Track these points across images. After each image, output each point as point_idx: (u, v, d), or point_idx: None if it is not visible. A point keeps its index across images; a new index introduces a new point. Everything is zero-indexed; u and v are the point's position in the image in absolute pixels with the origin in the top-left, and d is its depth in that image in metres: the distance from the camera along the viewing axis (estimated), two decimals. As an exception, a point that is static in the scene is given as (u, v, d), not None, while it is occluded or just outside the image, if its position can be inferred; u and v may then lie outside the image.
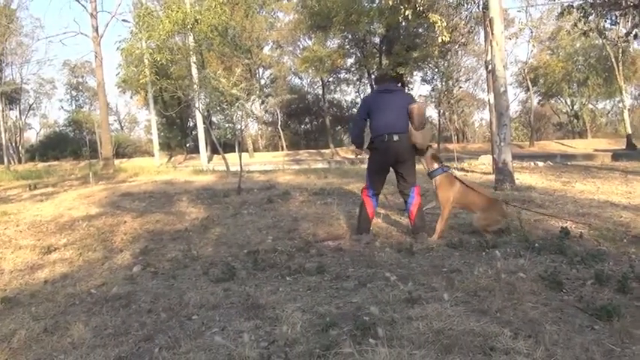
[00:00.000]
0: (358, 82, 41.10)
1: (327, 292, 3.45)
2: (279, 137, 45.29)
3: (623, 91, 30.09)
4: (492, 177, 9.50)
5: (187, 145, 41.47)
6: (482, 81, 39.45)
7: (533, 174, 11.21)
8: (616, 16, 13.72)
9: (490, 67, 9.88)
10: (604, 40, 27.47)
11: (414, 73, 33.44)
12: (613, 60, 28.02)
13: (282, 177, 11.79)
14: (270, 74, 42.20)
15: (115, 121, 55.10)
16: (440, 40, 12.80)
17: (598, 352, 2.26)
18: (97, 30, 20.64)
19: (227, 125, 11.56)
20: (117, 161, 25.26)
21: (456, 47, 24.45)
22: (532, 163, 15.53)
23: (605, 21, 14.91)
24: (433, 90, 35.17)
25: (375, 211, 5.29)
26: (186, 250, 5.15)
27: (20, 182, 13.64)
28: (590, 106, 42.43)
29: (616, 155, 19.66)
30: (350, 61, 35.84)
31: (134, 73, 17.44)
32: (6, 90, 38.47)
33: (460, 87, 31.82)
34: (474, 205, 5.06)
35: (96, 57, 20.71)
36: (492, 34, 8.82)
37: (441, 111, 35.08)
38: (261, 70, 40.34)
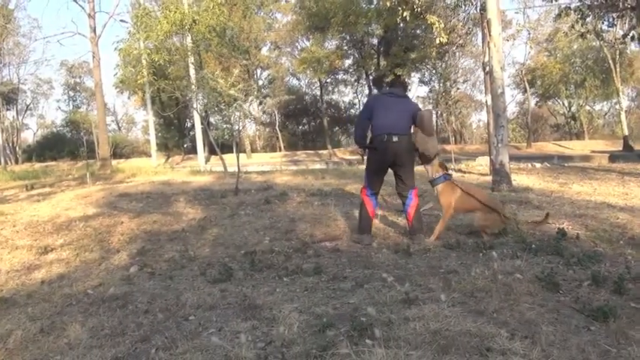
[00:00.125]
0: (356, 83, 41.19)
1: (324, 293, 3.45)
2: (277, 138, 45.29)
3: (620, 93, 30.19)
4: (489, 178, 9.51)
5: (185, 146, 41.47)
6: (479, 82, 39.47)
7: (530, 175, 11.23)
8: (613, 18, 13.75)
9: (488, 69, 9.90)
10: (601, 42, 27.52)
11: (412, 74, 33.53)
12: (610, 62, 28.09)
13: (279, 178, 11.78)
14: (268, 75, 42.22)
15: (113, 121, 55.05)
16: (438, 42, 12.79)
17: (594, 353, 2.26)
18: (94, 30, 20.63)
19: (225, 126, 11.58)
20: (114, 162, 25.23)
21: (454, 49, 24.48)
22: (529, 165, 15.55)
23: (603, 23, 14.93)
24: (431, 91, 35.33)
25: (375, 210, 5.28)
26: (183, 251, 5.14)
27: (17, 182, 13.62)
28: (588, 107, 42.51)
29: (613, 157, 19.69)
30: (348, 62, 35.93)
31: (132, 73, 17.38)
32: (3, 90, 38.45)
33: (458, 88, 31.97)
34: (476, 208, 5.07)
35: (93, 57, 20.70)
36: (490, 35, 8.84)
37: (439, 112, 35.17)
38: (259, 70, 40.39)
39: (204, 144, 26.04)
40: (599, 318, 2.65)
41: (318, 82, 38.96)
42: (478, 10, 13.14)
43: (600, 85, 35.62)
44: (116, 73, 21.15)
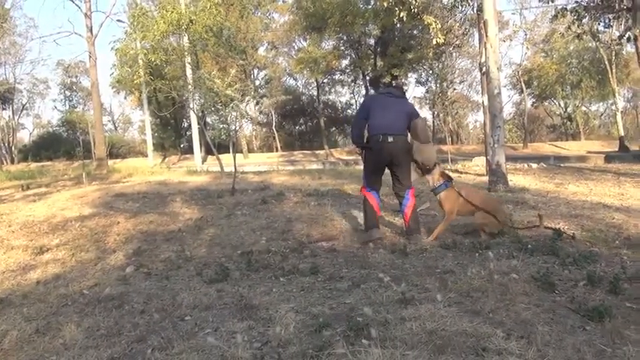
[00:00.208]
0: (353, 84, 41.18)
1: (321, 293, 3.45)
2: (274, 138, 45.27)
3: (616, 94, 30.23)
4: (486, 178, 9.52)
5: (181, 146, 41.34)
6: (476, 83, 39.51)
7: (526, 175, 11.25)
8: (609, 19, 13.80)
9: (484, 69, 9.91)
10: (597, 43, 27.59)
11: (409, 74, 33.55)
12: (606, 63, 28.16)
13: (276, 178, 11.78)
14: (265, 75, 42.16)
15: (109, 121, 54.90)
16: (434, 42, 12.81)
17: (589, 353, 2.27)
18: (91, 30, 20.56)
19: (221, 126, 11.57)
20: (110, 162, 25.16)
21: (451, 49, 24.48)
22: (525, 165, 15.59)
23: (599, 24, 15.01)
24: (428, 92, 35.36)
25: (380, 204, 5.20)
26: (179, 251, 5.14)
27: (13, 182, 13.57)
28: (584, 108, 42.64)
29: (609, 157, 19.73)
30: (345, 62, 35.91)
31: (128, 73, 17.37)
32: (-1, 90, 38.29)
33: (454, 89, 31.95)
34: (477, 210, 5.07)
35: (90, 57, 20.62)
36: (486, 36, 8.85)
37: (436, 112, 35.24)
38: (255, 71, 40.31)
39: (200, 144, 25.99)
40: (595, 318, 2.65)
41: (315, 83, 38.95)
42: (475, 11, 13.18)
43: (596, 86, 35.70)
44: (112, 73, 21.08)
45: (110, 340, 2.83)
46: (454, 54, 31.58)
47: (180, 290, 3.70)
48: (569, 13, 12.87)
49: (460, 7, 13.95)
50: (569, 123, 43.11)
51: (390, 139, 4.85)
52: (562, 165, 16.16)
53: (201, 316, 3.10)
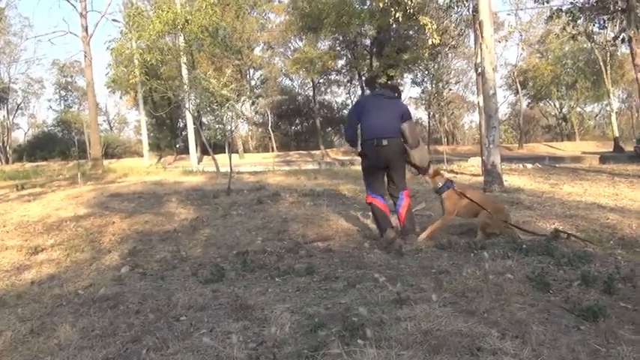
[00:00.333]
0: (349, 84, 41.20)
1: (316, 293, 3.45)
2: (270, 138, 45.28)
3: (611, 95, 30.43)
4: (481, 179, 9.55)
5: (177, 146, 41.33)
6: (472, 83, 39.69)
7: (521, 176, 11.29)
8: (604, 20, 13.84)
9: (480, 70, 9.94)
10: (592, 44, 27.76)
11: (405, 75, 33.59)
12: (601, 63, 28.32)
13: (272, 178, 11.78)
14: (261, 75, 42.18)
15: (105, 121, 54.84)
16: (430, 43, 12.85)
17: (584, 353, 2.28)
18: (86, 29, 20.53)
19: (217, 126, 11.55)
20: (106, 162, 25.12)
21: (446, 50, 24.60)
22: (521, 165, 15.65)
23: (594, 25, 15.07)
24: (423, 92, 35.39)
25: (387, 205, 5.07)
26: (175, 251, 5.13)
27: (7, 182, 13.52)
28: (579, 109, 42.84)
29: (603, 158, 19.86)
30: (341, 62, 35.92)
31: (124, 73, 17.31)
32: (-6, 89, 38.14)
33: (450, 89, 32.07)
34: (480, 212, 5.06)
35: (85, 57, 20.61)
36: (482, 37, 8.88)
37: (431, 113, 35.31)
38: (251, 71, 40.34)
39: (196, 144, 25.99)
40: (589, 318, 2.66)
41: (311, 83, 38.96)
42: (470, 12, 13.21)
43: (591, 87, 35.91)
44: (108, 73, 21.07)
45: (105, 341, 2.82)
46: (450, 55, 31.71)
47: (176, 290, 3.69)
48: (564, 14, 12.91)
49: (456, 7, 13.96)
50: (564, 124, 43.34)
51: (385, 143, 4.81)
52: (557, 165, 16.23)
53: (197, 317, 3.10)
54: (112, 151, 42.77)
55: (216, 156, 13.82)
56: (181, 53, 14.65)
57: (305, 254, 4.69)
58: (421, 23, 12.55)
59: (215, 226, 6.16)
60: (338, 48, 33.31)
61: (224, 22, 18.60)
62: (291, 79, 45.05)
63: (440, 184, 5.09)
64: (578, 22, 13.55)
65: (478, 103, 12.36)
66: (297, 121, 49.73)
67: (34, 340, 2.92)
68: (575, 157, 22.07)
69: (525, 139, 39.00)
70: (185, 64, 15.61)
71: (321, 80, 39.69)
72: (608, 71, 28.60)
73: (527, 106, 43.31)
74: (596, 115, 46.38)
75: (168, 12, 12.47)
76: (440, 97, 25.49)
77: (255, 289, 3.62)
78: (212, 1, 13.39)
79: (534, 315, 2.75)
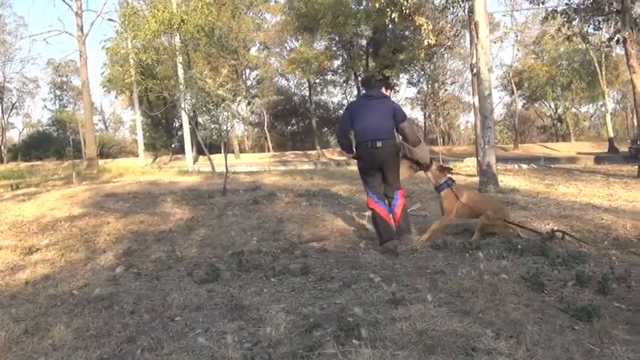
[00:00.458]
0: (345, 84, 41.21)
1: (312, 293, 3.45)
2: (266, 138, 45.23)
3: (606, 96, 30.53)
4: (477, 179, 9.57)
5: (173, 146, 41.17)
6: (467, 84, 39.72)
7: (517, 176, 11.32)
8: (599, 22, 13.90)
9: (475, 71, 9.96)
10: (587, 45, 27.81)
11: (401, 75, 33.58)
12: (596, 64, 28.40)
13: (267, 178, 11.77)
14: (257, 75, 42.10)
15: (100, 121, 54.64)
16: (426, 43, 12.89)
17: (578, 352, 2.28)
18: (81, 29, 20.44)
19: (213, 126, 11.55)
20: (101, 161, 25.02)
21: (442, 50, 24.59)
22: (516, 166, 15.69)
23: (589, 26, 15.10)
24: (419, 92, 35.45)
25: (389, 212, 4.97)
26: (170, 251, 5.12)
27: (2, 182, 13.43)
28: (574, 109, 42.95)
29: (598, 158, 19.92)
30: (337, 62, 35.93)
31: (119, 72, 17.32)
32: (-12, 89, 37.97)
33: (446, 90, 32.01)
34: (479, 214, 5.06)
35: (80, 56, 20.50)
36: (477, 37, 8.89)
37: (427, 113, 35.36)
38: (247, 71, 40.25)
39: (192, 144, 25.91)
40: (583, 318, 2.67)
41: (307, 83, 38.95)
42: (466, 13, 13.25)
43: (586, 88, 36.02)
44: (103, 72, 21.04)
45: (99, 341, 2.81)
46: (445, 55, 31.72)
47: (171, 291, 3.68)
48: (559, 15, 12.94)
49: (451, 8, 14.01)
50: (559, 124, 43.45)
51: (379, 145, 4.79)
52: (552, 166, 16.29)
53: (192, 317, 3.09)
54: (107, 150, 42.63)
55: (211, 156, 13.83)
56: (177, 53, 14.66)
57: (300, 254, 4.70)
58: (417, 24, 12.59)
59: (210, 226, 6.15)
60: (334, 48, 33.32)
61: (220, 22, 18.62)
62: (287, 80, 45.08)
63: (440, 182, 5.08)
64: (574, 23, 13.58)
65: (474, 103, 12.40)
66: (293, 121, 49.68)
67: (28, 341, 2.91)
68: (570, 157, 22.13)
69: (521, 139, 39.06)
70: (181, 63, 15.61)
71: (317, 80, 39.68)
72: (603, 72, 28.69)
73: (523, 106, 43.44)
74: (591, 116, 46.59)
75: (164, 11, 12.47)
76: (436, 97, 25.42)
77: (251, 289, 3.62)
78: (208, 0, 13.40)
79: (529, 315, 2.76)
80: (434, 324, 2.60)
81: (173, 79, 16.19)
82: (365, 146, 4.86)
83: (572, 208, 6.35)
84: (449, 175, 5.19)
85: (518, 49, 34.91)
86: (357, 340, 2.37)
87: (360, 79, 33.17)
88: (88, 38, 21.18)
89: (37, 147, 42.56)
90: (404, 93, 42.97)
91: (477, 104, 10.78)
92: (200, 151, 27.10)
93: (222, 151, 11.42)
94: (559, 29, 14.25)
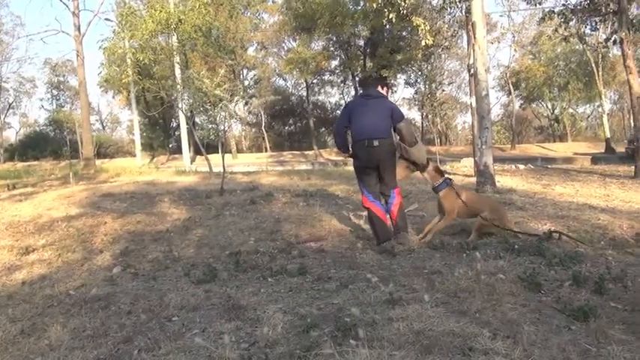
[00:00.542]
0: (342, 84, 41.15)
1: (309, 294, 3.45)
2: (263, 138, 45.17)
3: (603, 96, 30.60)
4: (474, 179, 9.58)
5: (170, 146, 41.12)
6: (465, 84, 39.82)
7: (514, 177, 11.35)
8: (596, 22, 13.94)
9: (472, 71, 9.97)
10: (584, 46, 27.88)
11: (398, 75, 33.60)
12: (593, 65, 28.45)
13: (265, 178, 11.76)
14: (254, 75, 42.04)
15: (97, 120, 54.52)
16: (423, 44, 12.86)
17: (574, 352, 2.29)
18: (78, 29, 20.42)
19: (210, 126, 11.51)
20: (98, 161, 24.97)
21: (440, 51, 24.67)
22: (513, 166, 15.72)
23: (586, 27, 15.18)
24: (417, 93, 35.47)
25: (385, 211, 4.96)
26: (167, 252, 5.11)
27: (-1, 182, 13.41)
28: (571, 110, 43.03)
29: (595, 159, 19.97)
30: (334, 63, 35.88)
31: (116, 72, 17.27)
32: (-15, 88, 37.86)
33: (443, 90, 32.11)
34: (479, 213, 5.06)
35: (77, 56, 20.48)
36: (475, 38, 8.91)
37: (424, 114, 35.38)
38: (245, 71, 40.18)
39: (189, 144, 25.90)
40: (580, 318, 2.68)
41: (305, 83, 38.87)
42: (463, 13, 13.24)
43: (583, 88, 36.08)
44: (100, 72, 21.02)
45: (96, 341, 2.81)
46: (443, 55, 31.79)
47: (168, 291, 3.68)
48: (556, 15, 12.97)
49: (449, 9, 14.00)
50: (556, 125, 43.55)
51: (376, 143, 4.80)
52: (549, 166, 16.32)
53: (189, 317, 3.09)
54: (104, 150, 42.49)
55: (209, 156, 13.80)
56: (174, 53, 14.63)
57: (297, 254, 4.70)
58: (414, 24, 12.56)
59: (208, 226, 6.15)
60: (331, 48, 33.31)
61: (217, 22, 18.60)
62: (285, 80, 45.03)
63: (438, 182, 5.09)
64: (570, 23, 13.61)
65: (471, 104, 12.41)
66: (291, 121, 49.66)
67: (24, 341, 2.90)
68: (567, 158, 22.18)
69: (518, 140, 39.15)
70: (178, 63, 15.58)
71: (314, 80, 39.63)
72: (600, 73, 28.75)
73: (520, 107, 43.49)
74: (588, 117, 46.65)
75: (161, 11, 12.45)
76: (433, 97, 25.49)
77: (248, 289, 3.62)
78: (205, 0, 13.38)
79: (526, 315, 2.77)
80: (431, 324, 2.61)
81: (170, 79, 16.14)
82: (362, 145, 4.87)
83: (569, 209, 6.36)
84: (446, 175, 5.20)
85: (515, 50, 35.05)
86: (355, 341, 2.37)
87: (357, 79, 33.19)
88: (85, 38, 21.13)
89: (34, 147, 42.40)
90: (401, 93, 43.03)
91: (474, 105, 10.78)
92: (197, 151, 27.08)
93: (220, 151, 11.42)
94: (556, 30, 14.27)
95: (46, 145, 42.20)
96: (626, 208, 6.50)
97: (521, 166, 15.71)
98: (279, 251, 4.81)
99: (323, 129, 47.91)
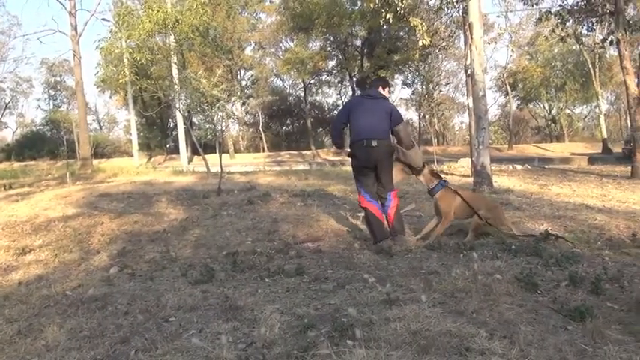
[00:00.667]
0: (340, 85, 41.20)
1: (306, 294, 3.45)
2: (260, 138, 45.16)
3: (600, 97, 30.66)
4: (471, 180, 9.59)
5: (167, 146, 41.09)
6: (462, 85, 39.64)
7: (511, 177, 11.37)
8: (592, 23, 13.95)
9: (469, 72, 9.99)
10: (581, 46, 27.94)
11: (395, 76, 33.61)
12: (590, 66, 28.54)
13: (262, 178, 11.76)
14: (252, 75, 42.02)
15: (94, 120, 54.43)
16: (421, 44, 12.86)
17: (571, 352, 2.29)
18: (75, 28, 20.41)
19: (207, 126, 11.53)
20: (95, 161, 24.95)
21: (437, 51, 24.66)
22: (510, 167, 15.75)
23: (582, 27, 15.16)
24: (414, 93, 35.45)
25: (382, 212, 4.98)
26: (164, 252, 5.11)
27: (-5, 182, 13.37)
28: (568, 110, 43.12)
29: (592, 159, 20.03)
30: (332, 63, 35.93)
31: (113, 72, 17.23)
32: (-19, 88, 37.74)
33: (440, 90, 32.17)
34: (477, 211, 5.06)
35: (74, 56, 20.47)
36: (472, 38, 8.92)
37: (422, 114, 35.39)
38: (242, 71, 40.19)
39: (186, 144, 25.85)
40: (576, 318, 2.69)
41: (302, 83, 38.90)
42: (460, 14, 13.26)
43: (580, 89, 36.17)
44: (97, 72, 20.92)
45: (93, 342, 2.80)
46: (440, 56, 31.80)
47: (165, 291, 3.67)
48: (553, 16, 13.00)
49: (446, 9, 14.02)
50: (553, 125, 43.61)
51: (374, 144, 4.81)
52: (546, 167, 16.36)
53: (186, 317, 3.09)
54: (101, 150, 42.45)
55: (206, 156, 13.79)
56: (172, 53, 14.60)
57: (295, 255, 4.70)
58: (412, 24, 12.57)
59: (205, 226, 6.14)
60: (329, 48, 33.34)
61: (215, 22, 18.60)
62: (282, 80, 45.04)
63: (433, 185, 5.10)
64: (567, 24, 13.66)
65: (468, 104, 12.43)
66: (288, 121, 49.64)
67: (21, 342, 2.89)
68: (564, 158, 22.23)
69: (515, 140, 39.19)
70: (175, 63, 15.55)
71: (312, 81, 39.64)
72: (597, 73, 28.82)
73: (517, 107, 43.54)
74: (585, 117, 46.78)
75: (158, 11, 12.43)
76: (430, 98, 25.58)
77: (245, 289, 3.61)
78: (203, 0, 13.37)
79: (522, 315, 2.78)
80: (428, 324, 2.61)
81: (167, 79, 16.11)
82: (360, 145, 4.88)
83: (565, 209, 6.38)
84: (441, 178, 5.21)
85: (512, 50, 35.06)
86: (351, 341, 2.38)
87: (355, 79, 33.21)
88: (82, 38, 21.16)
89: (31, 147, 42.29)
90: (398, 94, 42.95)
91: (471, 105, 10.80)
92: (195, 151, 27.10)
93: (217, 151, 11.40)
94: (553, 30, 14.30)
95: (43, 145, 42.10)
96: (623, 208, 6.52)
97: (519, 167, 15.75)
98: (277, 251, 4.81)
99: (320, 129, 47.88)
